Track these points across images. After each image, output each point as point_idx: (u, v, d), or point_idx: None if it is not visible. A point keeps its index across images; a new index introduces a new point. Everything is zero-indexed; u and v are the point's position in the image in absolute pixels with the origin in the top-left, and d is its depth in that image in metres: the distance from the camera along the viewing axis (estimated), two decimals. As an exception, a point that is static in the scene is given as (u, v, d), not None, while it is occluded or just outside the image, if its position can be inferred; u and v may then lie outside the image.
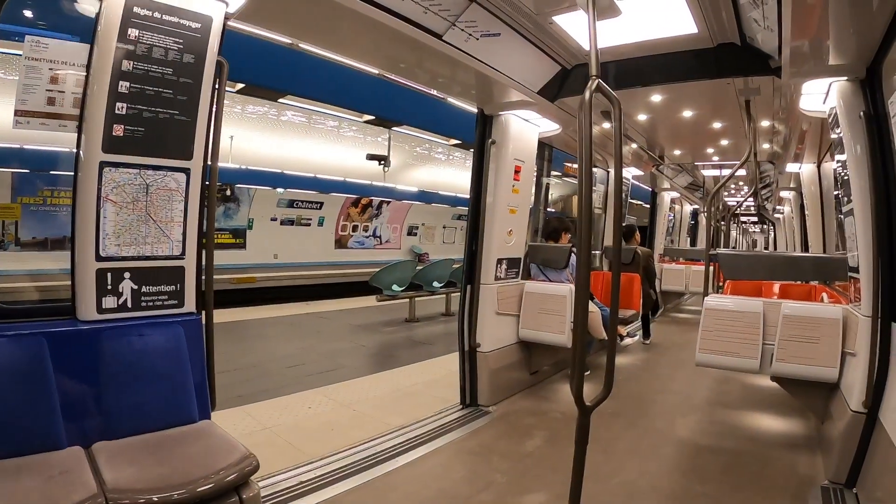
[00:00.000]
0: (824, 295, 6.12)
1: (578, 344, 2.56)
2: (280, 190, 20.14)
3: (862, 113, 3.60)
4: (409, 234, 27.46)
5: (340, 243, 24.04)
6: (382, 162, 20.21)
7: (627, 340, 8.30)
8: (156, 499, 2.27)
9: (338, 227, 23.69)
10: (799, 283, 7.25)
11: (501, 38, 4.20)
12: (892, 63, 3.27)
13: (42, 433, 2.55)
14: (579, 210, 2.60)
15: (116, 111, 2.80)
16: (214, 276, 3.34)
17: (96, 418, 2.78)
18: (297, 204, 21.33)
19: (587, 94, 2.39)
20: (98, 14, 2.77)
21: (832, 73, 3.74)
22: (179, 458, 2.60)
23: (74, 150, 2.85)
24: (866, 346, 3.62)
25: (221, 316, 10.26)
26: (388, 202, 24.72)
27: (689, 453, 4.56)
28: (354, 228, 24.47)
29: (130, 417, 2.84)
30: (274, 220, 20.99)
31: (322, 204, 22.12)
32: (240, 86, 14.25)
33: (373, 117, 17.88)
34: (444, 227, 29.05)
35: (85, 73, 2.83)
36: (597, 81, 2.42)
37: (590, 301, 6.21)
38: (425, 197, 25.33)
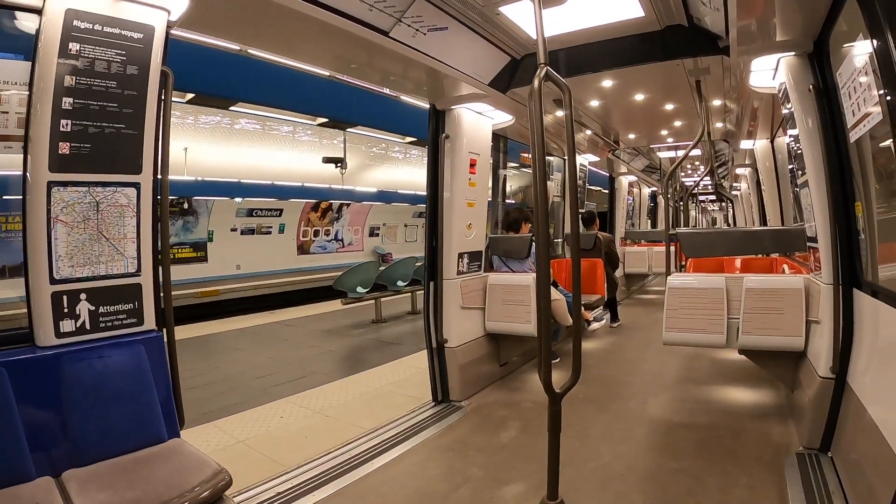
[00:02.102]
0: (785, 266, 6.24)
1: (543, 332, 2.57)
2: (238, 199, 19.86)
3: (811, 86, 3.68)
4: (371, 235, 27.34)
5: (303, 249, 23.83)
6: (339, 164, 20.05)
7: (594, 325, 8.37)
8: (129, 523, 2.23)
9: (299, 233, 23.47)
10: (760, 256, 7.38)
11: (449, 31, 4.19)
12: (839, 36, 3.34)
13: (9, 465, 2.48)
14: (535, 199, 2.60)
15: (61, 128, 2.73)
16: (176, 292, 3.28)
17: (64, 446, 2.71)
18: (256, 212, 21.07)
19: (536, 82, 2.39)
20: (38, 30, 2.70)
21: (780, 48, 3.81)
22: (151, 479, 2.55)
23: (21, 176, 2.77)
24: (829, 313, 3.71)
25: (187, 331, 10.17)
26: (348, 204, 24.55)
27: (662, 432, 4.62)
28: (316, 233, 24.27)
29: (98, 442, 2.78)
30: (234, 230, 20.68)
31: (282, 211, 21.90)
32: (190, 96, 14.00)
33: (326, 119, 17.73)
34: (405, 226, 28.97)
35: (28, 92, 2.75)
36: (545, 69, 2.42)
37: (554, 288, 6.26)
38: (385, 197, 25.24)
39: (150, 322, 3.16)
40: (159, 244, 3.21)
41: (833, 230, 3.64)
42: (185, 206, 18.73)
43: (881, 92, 2.57)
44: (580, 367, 2.76)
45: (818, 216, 3.77)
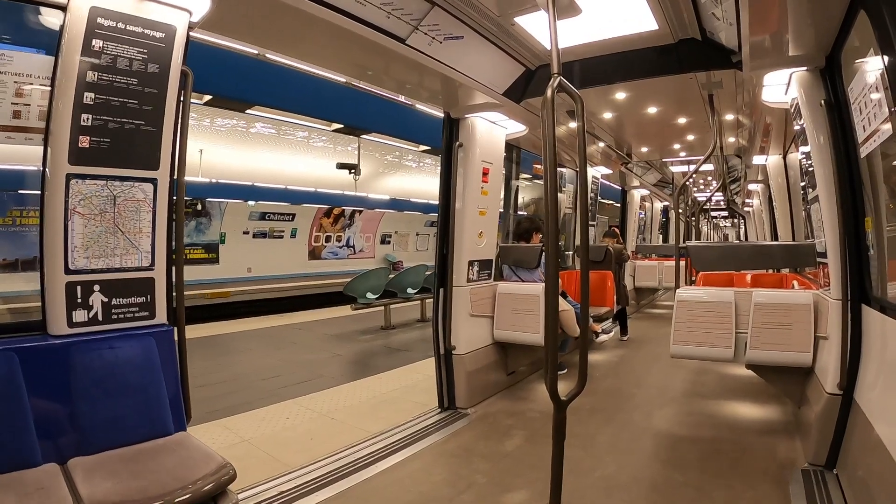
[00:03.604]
0: (795, 282, 6.22)
1: (550, 339, 2.58)
2: (251, 203, 19.97)
3: (823, 101, 3.69)
4: (383, 242, 27.38)
5: (314, 254, 23.88)
6: (353, 171, 20.11)
7: (603, 337, 8.35)
8: (133, 511, 2.25)
9: (311, 238, 23.53)
10: (770, 272, 7.35)
11: (465, 40, 4.23)
12: (851, 51, 3.34)
13: (16, 450, 2.52)
14: (546, 208, 2.61)
15: (82, 122, 2.79)
16: (187, 292, 3.31)
17: (71, 434, 2.75)
18: (269, 216, 21.16)
19: (549, 92, 2.41)
20: (62, 26, 2.77)
21: (792, 63, 3.83)
22: (155, 470, 2.58)
23: (41, 168, 2.82)
24: (838, 329, 3.69)
25: (196, 331, 10.22)
26: (361, 211, 24.63)
27: (667, 444, 4.61)
28: (328, 239, 24.33)
29: (105, 431, 2.81)
30: (246, 233, 20.77)
31: (294, 216, 21.98)
32: (207, 98, 14.10)
33: (341, 126, 17.80)
34: (417, 235, 29.00)
35: (50, 86, 2.81)
36: (559, 79, 2.44)
37: (563, 299, 6.26)
38: (397, 205, 25.32)
39: (161, 316, 3.20)
40: (174, 243, 3.26)
41: (843, 245, 3.64)
42: (199, 207, 18.84)
43: (893, 109, 2.58)
44: (587, 375, 2.77)
45: (828, 231, 3.76)
